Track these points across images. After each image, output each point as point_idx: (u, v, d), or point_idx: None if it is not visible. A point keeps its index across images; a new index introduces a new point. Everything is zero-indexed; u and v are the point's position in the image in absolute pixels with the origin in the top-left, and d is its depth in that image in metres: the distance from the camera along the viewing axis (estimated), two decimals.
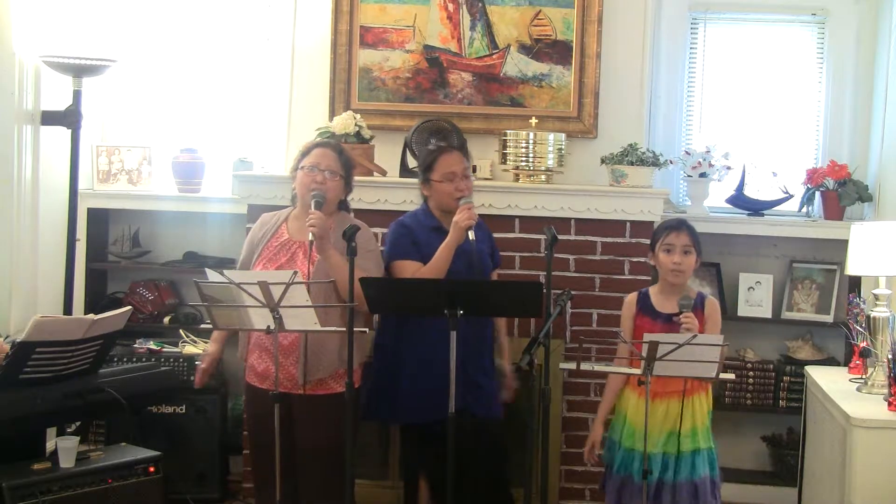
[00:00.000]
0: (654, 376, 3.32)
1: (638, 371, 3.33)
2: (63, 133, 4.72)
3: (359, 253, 3.63)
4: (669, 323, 3.59)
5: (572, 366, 3.43)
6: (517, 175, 4.65)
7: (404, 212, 4.62)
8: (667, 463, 3.59)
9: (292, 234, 3.77)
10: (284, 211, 3.89)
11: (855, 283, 4.72)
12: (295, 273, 3.31)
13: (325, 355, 3.61)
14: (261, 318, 3.39)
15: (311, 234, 3.51)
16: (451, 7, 4.86)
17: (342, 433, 3.47)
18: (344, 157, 3.80)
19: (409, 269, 3.79)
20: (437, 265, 3.73)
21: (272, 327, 3.36)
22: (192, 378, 4.69)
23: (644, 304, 3.74)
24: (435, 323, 3.55)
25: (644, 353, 3.25)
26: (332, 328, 3.50)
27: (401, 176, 4.71)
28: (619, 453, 3.67)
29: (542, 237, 3.57)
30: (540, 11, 4.83)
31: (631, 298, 3.81)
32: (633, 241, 4.61)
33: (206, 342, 4.84)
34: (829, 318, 4.90)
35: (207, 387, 4.71)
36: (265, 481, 3.66)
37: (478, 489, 3.83)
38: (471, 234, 3.66)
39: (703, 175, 4.84)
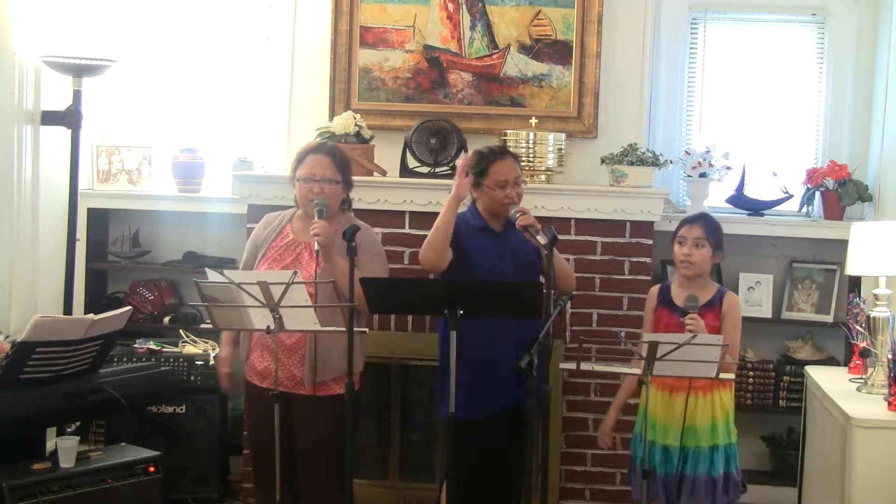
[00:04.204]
0: (654, 376, 3.33)
1: (638, 371, 3.34)
2: (63, 133, 4.72)
3: (366, 257, 3.65)
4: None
5: (572, 366, 3.44)
6: None
7: (404, 212, 4.65)
8: (686, 456, 3.62)
9: (297, 235, 3.75)
10: (289, 211, 3.87)
11: (855, 283, 4.72)
12: (295, 273, 3.31)
13: (332, 358, 3.60)
14: (261, 318, 3.39)
15: (316, 244, 3.50)
16: (451, 7, 4.86)
17: (341, 433, 3.46)
18: (338, 159, 3.75)
19: None
20: (435, 226, 3.67)
21: (272, 327, 3.37)
22: (192, 378, 4.73)
23: (664, 297, 3.76)
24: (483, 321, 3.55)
25: (644, 353, 3.26)
26: (334, 328, 3.48)
27: (401, 176, 4.71)
28: (641, 446, 3.67)
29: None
30: (540, 11, 4.83)
31: (653, 291, 3.84)
32: (633, 241, 4.61)
33: (206, 342, 4.87)
34: (829, 318, 4.90)
35: (207, 387, 4.76)
36: (264, 481, 3.66)
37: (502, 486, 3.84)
38: (542, 239, 3.54)
39: (703, 175, 4.84)
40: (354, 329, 3.41)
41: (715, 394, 3.65)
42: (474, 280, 3.66)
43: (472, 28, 4.86)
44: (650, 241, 4.62)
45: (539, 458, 3.45)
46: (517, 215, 3.65)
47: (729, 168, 4.88)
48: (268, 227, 3.83)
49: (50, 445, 4.04)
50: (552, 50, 4.84)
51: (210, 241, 5.22)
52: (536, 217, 3.76)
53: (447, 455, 3.48)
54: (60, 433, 4.23)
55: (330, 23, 4.88)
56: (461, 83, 4.88)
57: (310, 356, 3.60)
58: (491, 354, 3.73)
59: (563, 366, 3.88)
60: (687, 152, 4.94)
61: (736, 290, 4.95)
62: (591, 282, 4.62)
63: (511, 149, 4.60)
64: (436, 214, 3.87)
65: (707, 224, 3.73)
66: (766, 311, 4.95)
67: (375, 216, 4.40)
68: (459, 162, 3.70)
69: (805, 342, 4.96)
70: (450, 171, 4.66)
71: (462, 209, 3.96)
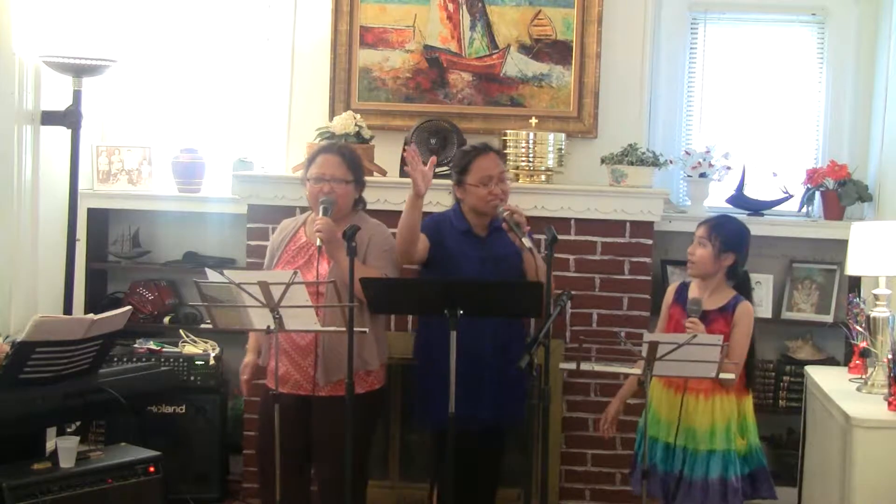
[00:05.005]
0: (654, 376, 3.33)
1: (639, 371, 3.34)
2: (63, 133, 4.72)
3: (375, 253, 3.67)
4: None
5: (572, 366, 3.44)
6: (517, 175, 4.65)
7: (401, 213, 4.64)
8: (686, 457, 3.62)
9: (311, 237, 3.74)
10: (304, 215, 3.89)
11: (855, 283, 4.72)
12: (295, 273, 3.31)
13: (345, 357, 3.56)
14: (261, 318, 3.39)
15: (318, 240, 3.51)
16: (451, 7, 4.86)
17: (361, 432, 3.48)
18: (349, 159, 3.76)
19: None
20: (399, 226, 3.61)
21: (272, 327, 3.37)
22: (192, 378, 4.73)
23: (680, 296, 3.76)
24: (466, 328, 3.47)
25: (644, 353, 3.26)
26: (334, 328, 3.48)
27: (401, 176, 4.70)
28: (645, 442, 3.67)
29: (543, 237, 3.56)
30: (540, 11, 4.83)
31: (671, 287, 3.85)
32: (633, 241, 4.61)
33: (206, 342, 4.87)
34: (829, 318, 4.90)
35: (207, 387, 4.76)
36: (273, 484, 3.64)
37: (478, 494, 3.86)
38: (527, 242, 3.53)
39: (703, 175, 4.84)
40: (354, 329, 3.40)
41: (716, 398, 3.61)
42: (474, 280, 3.65)
43: (472, 28, 4.86)
44: (650, 242, 4.62)
45: (539, 459, 3.45)
46: (504, 213, 3.62)
47: (729, 168, 4.88)
48: (282, 233, 3.85)
49: (50, 445, 4.03)
50: (552, 50, 4.84)
51: (210, 241, 5.22)
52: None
53: (445, 457, 3.46)
54: (60, 433, 4.23)
55: (330, 23, 4.88)
56: (461, 83, 4.88)
57: (322, 356, 3.60)
58: (477, 361, 3.69)
59: (563, 366, 3.88)
60: (687, 152, 4.93)
61: None
62: (591, 282, 4.62)
63: (511, 149, 4.62)
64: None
65: (713, 224, 3.70)
66: (766, 311, 4.94)
67: (375, 216, 4.38)
68: (408, 157, 3.56)
69: (805, 342, 4.96)
70: (449, 172, 4.66)
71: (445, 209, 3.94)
